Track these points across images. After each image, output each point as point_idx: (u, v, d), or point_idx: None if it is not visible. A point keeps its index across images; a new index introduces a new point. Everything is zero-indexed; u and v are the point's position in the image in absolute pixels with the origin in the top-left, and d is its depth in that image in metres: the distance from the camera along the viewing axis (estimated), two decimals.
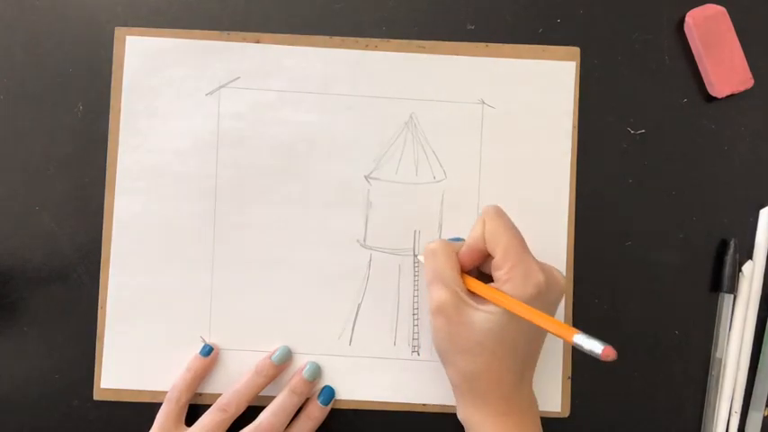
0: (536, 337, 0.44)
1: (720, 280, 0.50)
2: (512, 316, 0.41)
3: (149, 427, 0.47)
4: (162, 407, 0.47)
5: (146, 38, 0.50)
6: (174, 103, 0.49)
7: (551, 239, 0.50)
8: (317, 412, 0.48)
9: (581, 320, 0.50)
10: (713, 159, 0.51)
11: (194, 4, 0.50)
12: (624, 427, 0.50)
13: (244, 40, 0.50)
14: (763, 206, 0.51)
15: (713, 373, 0.50)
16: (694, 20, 0.49)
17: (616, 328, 0.50)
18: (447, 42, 0.50)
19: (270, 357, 0.48)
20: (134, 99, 0.49)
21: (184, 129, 0.49)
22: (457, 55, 0.50)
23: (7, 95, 0.50)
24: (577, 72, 0.50)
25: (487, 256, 0.44)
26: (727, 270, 0.50)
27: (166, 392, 0.48)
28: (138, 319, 0.49)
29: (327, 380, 0.49)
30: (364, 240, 0.49)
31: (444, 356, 0.44)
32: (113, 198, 0.49)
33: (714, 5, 0.50)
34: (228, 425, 0.46)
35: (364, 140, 0.50)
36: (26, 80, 0.50)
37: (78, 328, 0.49)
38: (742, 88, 0.50)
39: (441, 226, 0.50)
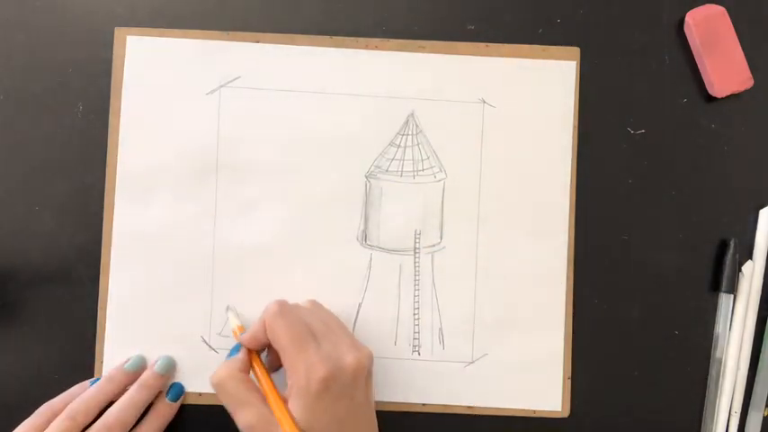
0: None
1: (720, 280, 0.50)
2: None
3: None
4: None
5: (146, 38, 0.50)
6: (174, 103, 0.49)
7: (551, 239, 0.50)
8: (164, 409, 0.47)
9: (581, 320, 0.50)
10: (713, 159, 0.51)
11: (194, 4, 0.50)
12: (624, 427, 0.50)
13: (244, 39, 0.50)
14: (763, 206, 0.51)
15: (713, 373, 0.50)
16: (694, 20, 0.50)
17: (616, 328, 0.50)
18: (447, 42, 0.50)
19: (123, 365, 0.47)
20: (134, 99, 0.49)
21: (184, 128, 0.49)
22: (457, 54, 0.50)
23: (7, 96, 0.50)
24: (577, 72, 0.50)
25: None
26: (727, 270, 0.50)
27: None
28: (138, 319, 0.49)
29: None
30: (365, 240, 0.49)
31: None
32: (113, 198, 0.49)
33: (714, 5, 0.50)
34: None
35: (364, 140, 0.50)
36: (26, 80, 0.50)
37: (78, 328, 0.49)
38: (742, 88, 0.50)
39: (441, 225, 0.50)
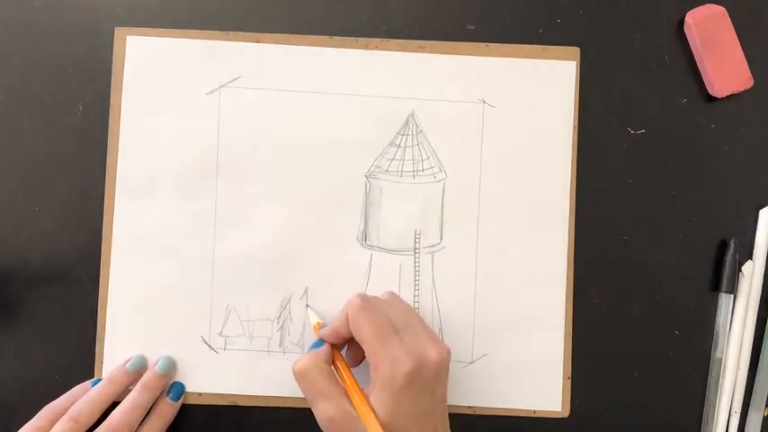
0: None
1: (720, 280, 0.50)
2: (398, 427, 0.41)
3: None
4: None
5: (146, 38, 0.50)
6: (174, 103, 0.49)
7: (551, 239, 0.50)
8: (166, 409, 0.47)
9: (581, 320, 0.50)
10: (713, 159, 0.51)
11: (194, 4, 0.50)
12: (624, 427, 0.50)
13: (244, 39, 0.50)
14: (763, 206, 0.51)
15: (713, 373, 0.50)
16: (694, 20, 0.50)
17: (616, 328, 0.50)
18: (447, 42, 0.50)
19: (124, 365, 0.48)
20: (134, 99, 0.49)
21: (185, 128, 0.49)
22: (457, 54, 0.50)
23: (7, 95, 0.50)
24: (577, 72, 0.50)
25: (353, 339, 0.44)
26: (727, 270, 0.50)
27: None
28: (138, 319, 0.49)
29: None
30: (365, 240, 0.49)
31: None
32: (113, 198, 0.49)
33: (714, 5, 0.50)
34: None
35: (364, 140, 0.50)
36: (26, 80, 0.50)
37: (78, 328, 0.49)
38: (742, 88, 0.50)
39: (441, 225, 0.50)
